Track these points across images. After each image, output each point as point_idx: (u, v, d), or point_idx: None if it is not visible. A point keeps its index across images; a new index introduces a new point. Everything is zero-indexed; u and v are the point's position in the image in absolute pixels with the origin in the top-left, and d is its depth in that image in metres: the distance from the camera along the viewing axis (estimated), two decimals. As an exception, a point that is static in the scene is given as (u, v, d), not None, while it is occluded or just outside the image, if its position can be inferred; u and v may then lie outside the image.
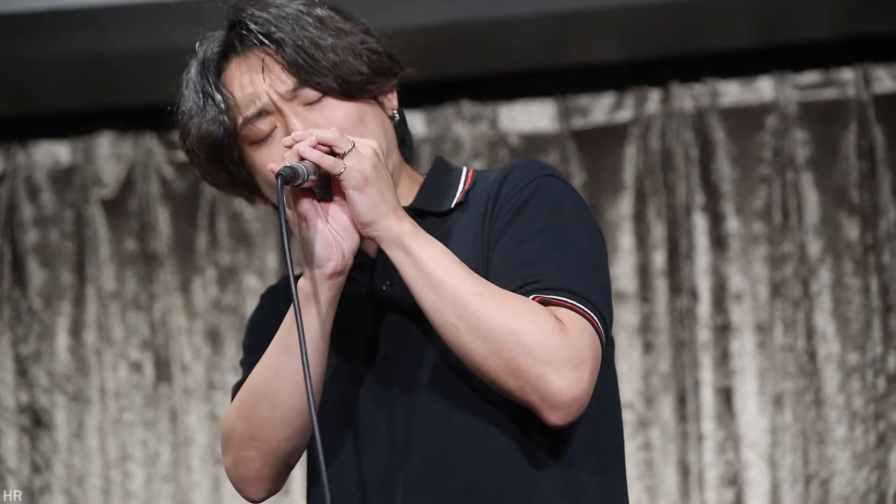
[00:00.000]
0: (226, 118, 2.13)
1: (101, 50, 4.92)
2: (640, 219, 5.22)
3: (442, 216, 2.18)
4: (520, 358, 1.97)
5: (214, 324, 5.29)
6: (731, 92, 5.25)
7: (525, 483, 2.06)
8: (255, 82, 2.12)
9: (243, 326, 5.25)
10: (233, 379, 5.23)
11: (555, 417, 1.99)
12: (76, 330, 5.33)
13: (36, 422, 5.30)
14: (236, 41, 2.14)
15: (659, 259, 5.19)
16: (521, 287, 2.04)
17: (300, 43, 2.10)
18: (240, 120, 2.14)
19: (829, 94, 5.21)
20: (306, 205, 2.02)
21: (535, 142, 5.27)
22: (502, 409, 2.06)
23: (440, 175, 2.24)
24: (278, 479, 2.17)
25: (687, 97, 5.25)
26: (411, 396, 2.11)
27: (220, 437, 2.18)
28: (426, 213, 2.18)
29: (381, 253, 2.14)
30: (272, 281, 5.26)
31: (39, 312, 5.34)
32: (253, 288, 5.29)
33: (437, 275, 2.00)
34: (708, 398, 5.12)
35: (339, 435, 2.15)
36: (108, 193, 5.38)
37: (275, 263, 5.31)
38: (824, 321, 5.11)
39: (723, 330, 5.15)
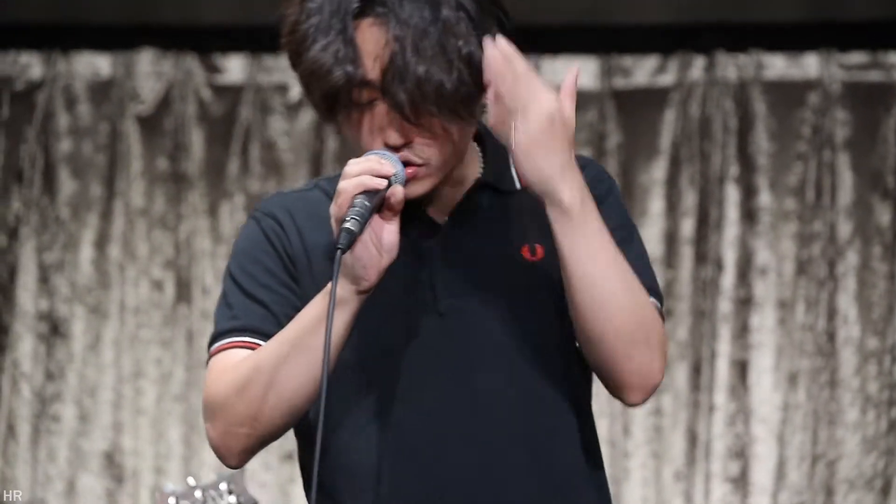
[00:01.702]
0: (352, 69, 2.06)
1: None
2: (672, 185, 5.21)
3: (508, 195, 2.20)
4: (651, 336, 2.11)
5: (239, 250, 5.30)
6: (777, 65, 5.22)
7: (583, 464, 2.17)
8: (368, 53, 2.07)
9: (267, 255, 5.27)
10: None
11: (637, 397, 2.13)
12: (101, 243, 5.35)
13: (53, 330, 5.33)
14: (375, 4, 2.08)
15: (687, 227, 5.18)
16: None
17: (407, 58, 2.05)
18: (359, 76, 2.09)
19: (875, 76, 5.17)
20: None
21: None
22: (561, 381, 2.14)
23: (494, 148, 2.22)
24: (260, 450, 2.20)
25: (731, 66, 5.22)
26: (470, 358, 2.14)
27: (207, 406, 2.17)
28: (495, 190, 2.20)
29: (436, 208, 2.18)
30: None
31: (66, 222, 5.36)
32: (280, 218, 5.29)
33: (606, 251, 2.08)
34: (723, 370, 5.12)
35: (377, 387, 2.17)
36: (144, 110, 5.39)
37: (304, 195, 5.30)
38: (847, 303, 5.10)
39: (744, 303, 5.14)
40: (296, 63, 2.12)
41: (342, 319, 2.06)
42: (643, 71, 5.25)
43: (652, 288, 2.15)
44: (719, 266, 5.16)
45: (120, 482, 5.24)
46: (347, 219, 1.98)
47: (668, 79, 5.25)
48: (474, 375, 2.14)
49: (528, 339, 2.14)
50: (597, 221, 2.06)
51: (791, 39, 5.20)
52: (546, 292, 2.14)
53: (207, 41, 5.39)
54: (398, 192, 2.02)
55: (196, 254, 5.32)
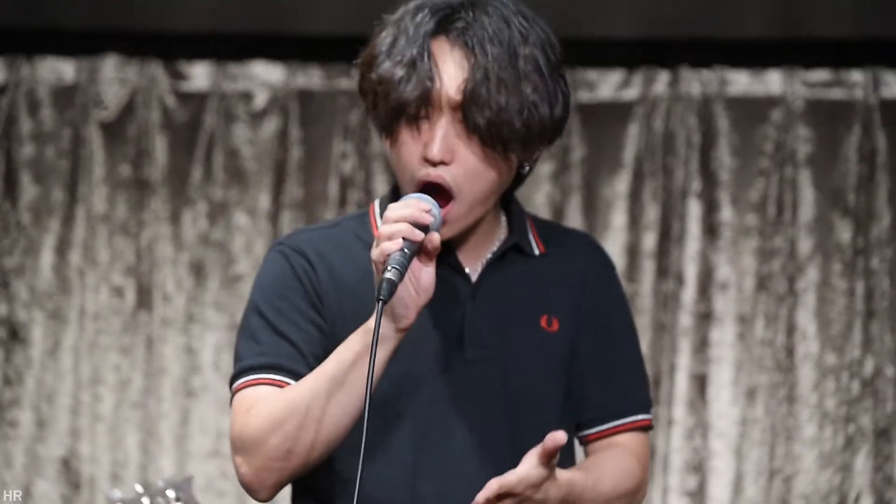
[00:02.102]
0: (430, 84, 2.22)
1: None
2: (635, 199, 5.21)
3: (531, 258, 2.38)
4: (641, 486, 2.42)
5: (200, 257, 5.28)
6: (740, 82, 5.24)
7: None
8: (447, 72, 2.23)
9: (229, 262, 5.25)
10: (213, 314, 5.22)
11: None
12: (62, 248, 5.32)
13: (12, 335, 5.29)
14: (454, 28, 2.25)
15: (649, 241, 5.19)
16: (611, 405, 2.39)
17: (489, 82, 2.22)
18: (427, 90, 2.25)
19: (837, 93, 5.19)
20: None
21: (538, 110, 5.25)
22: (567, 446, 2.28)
23: (518, 214, 2.40)
24: (288, 483, 2.27)
25: (695, 82, 5.23)
26: (486, 408, 2.30)
27: (238, 440, 2.22)
28: (520, 251, 2.37)
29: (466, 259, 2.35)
30: (262, 221, 5.25)
31: (27, 227, 5.32)
32: (242, 225, 5.27)
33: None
34: (682, 384, 5.13)
35: (398, 423, 2.27)
36: (108, 116, 5.36)
37: (267, 203, 5.29)
38: (806, 319, 5.11)
39: (704, 317, 5.15)
40: (366, 73, 2.25)
41: (382, 357, 2.16)
42: (608, 85, 5.26)
43: (643, 405, 2.41)
44: (680, 280, 5.17)
45: (76, 489, 5.21)
46: (389, 268, 2.09)
47: (632, 93, 5.25)
48: (488, 425, 2.29)
49: (534, 403, 2.31)
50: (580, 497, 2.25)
51: (755, 56, 5.22)
52: (555, 367, 2.33)
53: (172, 48, 5.38)
54: (435, 240, 2.13)
55: (157, 261, 5.29)
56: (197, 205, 5.31)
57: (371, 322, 2.14)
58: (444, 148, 2.22)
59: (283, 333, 2.26)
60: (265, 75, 5.35)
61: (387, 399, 2.23)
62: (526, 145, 2.25)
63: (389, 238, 2.11)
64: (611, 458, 2.36)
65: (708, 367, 5.13)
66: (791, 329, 5.11)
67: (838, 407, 5.07)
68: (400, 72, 2.20)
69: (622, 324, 2.42)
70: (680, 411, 5.11)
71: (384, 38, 2.24)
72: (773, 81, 5.22)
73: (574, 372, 2.35)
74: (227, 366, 5.20)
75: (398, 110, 2.22)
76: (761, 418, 5.08)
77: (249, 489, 2.24)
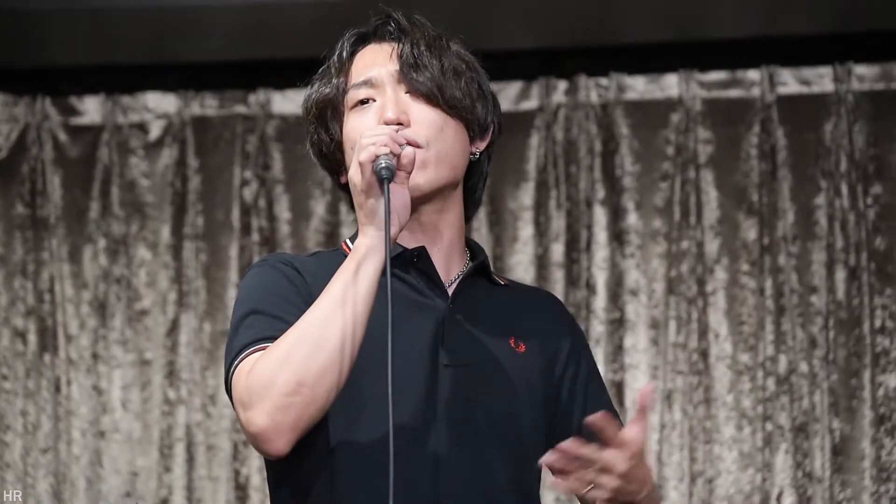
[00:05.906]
0: (340, 81, 2.43)
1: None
2: (540, 210, 5.20)
3: (496, 286, 2.51)
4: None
5: (102, 295, 5.18)
6: (637, 87, 5.24)
7: None
8: (376, 61, 2.42)
9: (133, 298, 5.15)
10: (120, 352, 5.13)
11: None
12: (-41, 294, 5.20)
13: (-88, 386, 5.16)
14: (379, 30, 2.46)
15: (557, 251, 5.17)
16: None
17: (421, 50, 2.41)
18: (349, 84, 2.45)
19: (734, 93, 5.22)
20: (375, 181, 2.26)
21: (438, 126, 5.22)
22: (534, 456, 2.35)
23: (478, 248, 2.52)
24: (301, 435, 2.23)
25: (593, 89, 5.23)
26: (461, 412, 2.34)
27: (245, 395, 2.20)
28: (489, 279, 2.50)
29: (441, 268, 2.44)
30: (164, 253, 5.17)
31: (-79, 274, 5.20)
32: (144, 260, 5.18)
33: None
34: (599, 392, 5.11)
35: (376, 425, 2.28)
36: (-2, 155, 5.26)
37: (167, 236, 5.21)
38: (717, 320, 5.12)
39: (617, 324, 5.15)
40: (307, 101, 2.46)
41: (373, 266, 2.23)
42: (507, 97, 5.24)
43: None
44: (590, 288, 5.15)
45: (-12, 540, 5.08)
46: (382, 162, 2.22)
47: (531, 104, 5.25)
48: (467, 429, 2.33)
49: (508, 410, 2.38)
50: (646, 482, 2.35)
51: (650, 60, 5.23)
52: (524, 384, 2.40)
53: (61, 83, 5.28)
54: (410, 153, 2.25)
55: (59, 301, 5.18)
56: (97, 241, 5.21)
57: (358, 247, 2.24)
58: (398, 109, 2.36)
59: (280, 316, 2.29)
60: (158, 105, 5.27)
61: (366, 398, 2.27)
62: (468, 109, 2.40)
63: (374, 144, 2.23)
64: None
65: (624, 374, 5.12)
66: (703, 331, 5.12)
67: (755, 406, 5.08)
68: (327, 88, 2.43)
69: (595, 366, 2.59)
70: (599, 420, 5.08)
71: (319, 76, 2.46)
72: (670, 85, 5.24)
73: (560, 396, 2.47)
74: (137, 403, 5.11)
75: (324, 105, 2.42)
76: (679, 422, 5.08)
77: (265, 440, 2.20)
